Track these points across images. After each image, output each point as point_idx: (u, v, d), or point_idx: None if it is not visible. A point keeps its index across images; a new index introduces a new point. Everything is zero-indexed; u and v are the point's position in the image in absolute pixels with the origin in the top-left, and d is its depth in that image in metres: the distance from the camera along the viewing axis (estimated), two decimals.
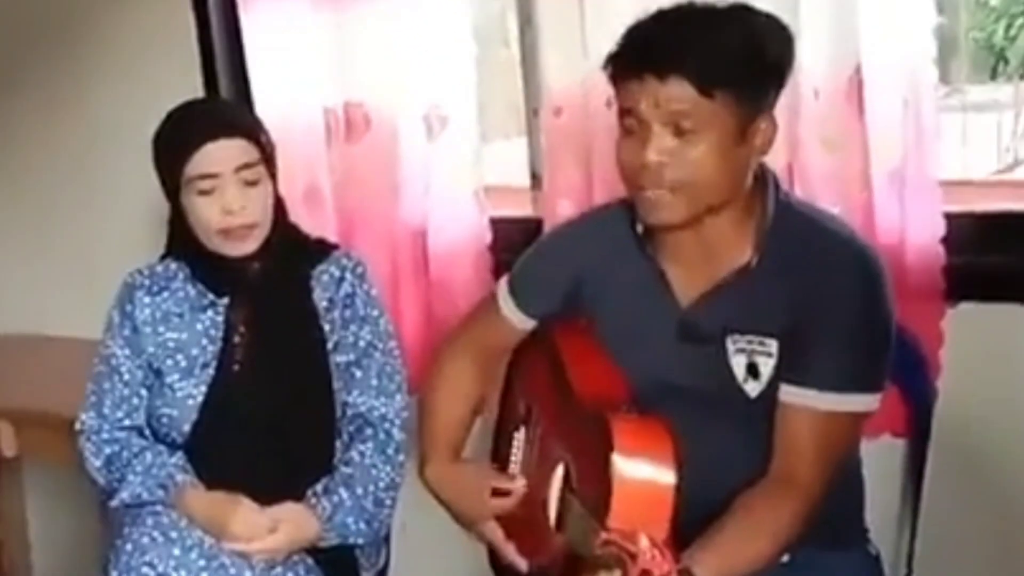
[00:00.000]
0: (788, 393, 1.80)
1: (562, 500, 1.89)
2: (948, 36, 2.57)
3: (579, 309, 2.00)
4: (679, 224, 1.79)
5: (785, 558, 1.84)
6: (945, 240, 2.18)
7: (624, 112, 1.77)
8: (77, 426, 2.23)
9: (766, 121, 1.76)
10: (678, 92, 1.69)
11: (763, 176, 1.84)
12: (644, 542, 1.53)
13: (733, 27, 1.72)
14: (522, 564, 1.99)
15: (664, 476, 1.70)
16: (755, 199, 1.83)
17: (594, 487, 1.74)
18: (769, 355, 1.81)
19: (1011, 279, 2.21)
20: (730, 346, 1.83)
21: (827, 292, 1.77)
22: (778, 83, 1.78)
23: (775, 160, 2.22)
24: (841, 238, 1.82)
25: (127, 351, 2.21)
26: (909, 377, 2.17)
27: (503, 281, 2.10)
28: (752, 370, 1.82)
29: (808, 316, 1.77)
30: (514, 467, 2.11)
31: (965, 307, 2.22)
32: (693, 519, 1.72)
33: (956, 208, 2.21)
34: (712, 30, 1.71)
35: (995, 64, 3.18)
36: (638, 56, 1.73)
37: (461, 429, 2.14)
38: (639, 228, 1.87)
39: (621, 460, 1.71)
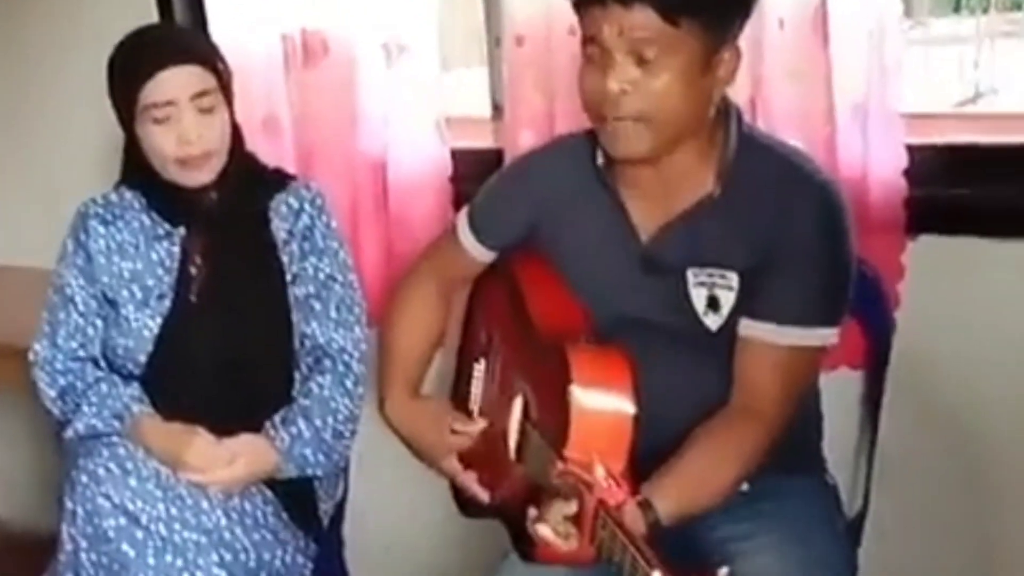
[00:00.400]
0: (748, 327, 1.81)
1: (521, 431, 1.89)
2: None
3: (539, 241, 1.99)
4: (643, 156, 1.78)
5: (744, 487, 1.86)
6: (907, 172, 2.18)
7: (587, 40, 1.75)
8: (30, 356, 2.21)
9: (730, 51, 1.75)
10: (642, 19, 1.67)
11: (726, 108, 1.83)
12: (600, 471, 1.53)
13: None
14: (484, 496, 2.00)
15: (623, 406, 1.70)
16: (717, 131, 1.82)
17: (553, 418, 1.74)
18: (730, 288, 1.81)
19: (972, 212, 2.21)
20: (691, 279, 1.83)
21: (789, 226, 1.77)
22: (744, 13, 1.76)
23: (739, 92, 2.21)
24: (804, 172, 1.81)
25: (81, 281, 2.18)
26: (868, 309, 2.17)
27: (463, 213, 2.09)
28: (712, 303, 1.82)
29: (770, 250, 1.77)
30: (474, 399, 2.11)
31: (926, 239, 2.23)
32: (653, 451, 1.73)
33: (918, 140, 2.20)
34: None
35: None
36: None
37: (421, 364, 2.14)
38: (600, 160, 1.85)
39: (579, 391, 1.71)
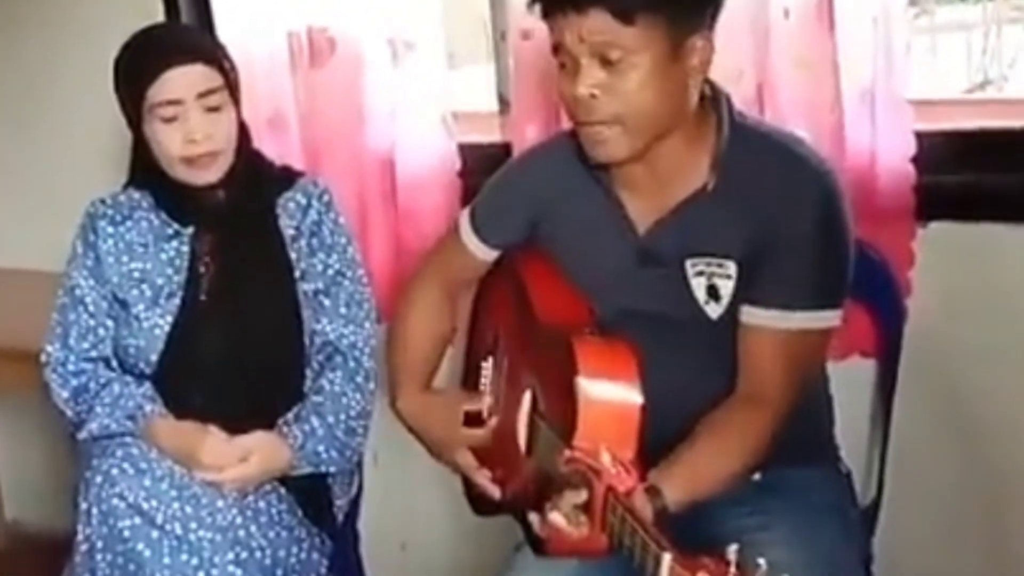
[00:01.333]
0: (749, 314, 1.81)
1: (531, 425, 1.89)
2: None
3: (540, 239, 2.01)
4: (624, 159, 1.79)
5: (756, 477, 1.86)
6: (915, 159, 2.17)
7: (555, 48, 1.77)
8: (42, 358, 2.21)
9: (702, 39, 1.74)
10: (599, 23, 1.68)
11: (715, 97, 1.83)
12: (606, 457, 1.54)
13: None
14: (495, 492, 2.00)
15: (629, 396, 1.70)
16: (707, 121, 1.82)
17: (561, 410, 1.74)
18: (728, 277, 1.81)
19: (981, 198, 2.20)
20: (689, 269, 1.83)
21: (784, 211, 1.77)
22: (710, 0, 1.76)
23: (746, 81, 2.22)
24: (797, 156, 1.81)
25: (91, 281, 2.19)
26: (879, 297, 2.17)
27: (465, 213, 2.11)
28: (712, 292, 1.83)
29: (766, 236, 1.77)
30: (484, 398, 2.11)
31: (935, 226, 2.22)
32: (659, 442, 1.73)
33: (927, 127, 2.20)
34: None
35: None
36: None
37: (430, 361, 2.15)
38: (596, 161, 1.86)
39: (585, 381, 1.71)
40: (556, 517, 1.59)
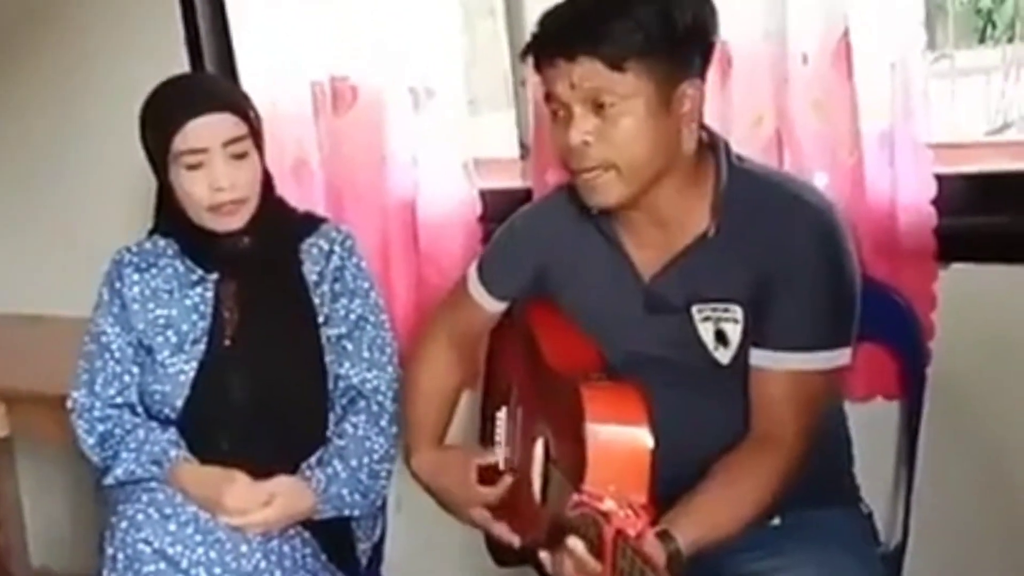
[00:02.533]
0: (757, 356, 1.82)
1: (545, 473, 1.89)
2: (935, 1, 2.56)
3: (547, 289, 2.02)
4: (619, 204, 1.81)
5: (776, 521, 1.85)
6: (936, 202, 2.17)
7: (547, 97, 1.79)
8: (69, 404, 2.23)
9: (693, 87, 1.76)
10: (589, 71, 1.71)
11: (713, 143, 1.85)
12: (609, 503, 1.53)
13: (640, 1, 1.71)
14: (515, 540, 1.99)
15: (639, 439, 1.70)
16: (706, 167, 1.83)
17: (572, 456, 1.74)
18: (735, 321, 1.82)
19: (1002, 239, 2.20)
20: (696, 315, 1.84)
21: (786, 253, 1.77)
22: (699, 48, 1.77)
23: (764, 126, 2.24)
24: (797, 196, 1.81)
25: (117, 328, 2.21)
26: (902, 339, 2.17)
27: (472, 266, 2.13)
28: (720, 337, 1.83)
29: (770, 279, 1.78)
30: (498, 447, 2.11)
31: (957, 268, 2.22)
32: (673, 485, 1.72)
33: (947, 170, 2.20)
34: (617, 5, 1.71)
35: (983, 28, 3.17)
36: (548, 41, 1.76)
37: (442, 417, 2.16)
38: (593, 209, 1.87)
39: (593, 427, 1.71)
40: (567, 565, 1.59)
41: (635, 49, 1.69)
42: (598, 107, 1.73)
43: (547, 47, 1.76)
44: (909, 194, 2.17)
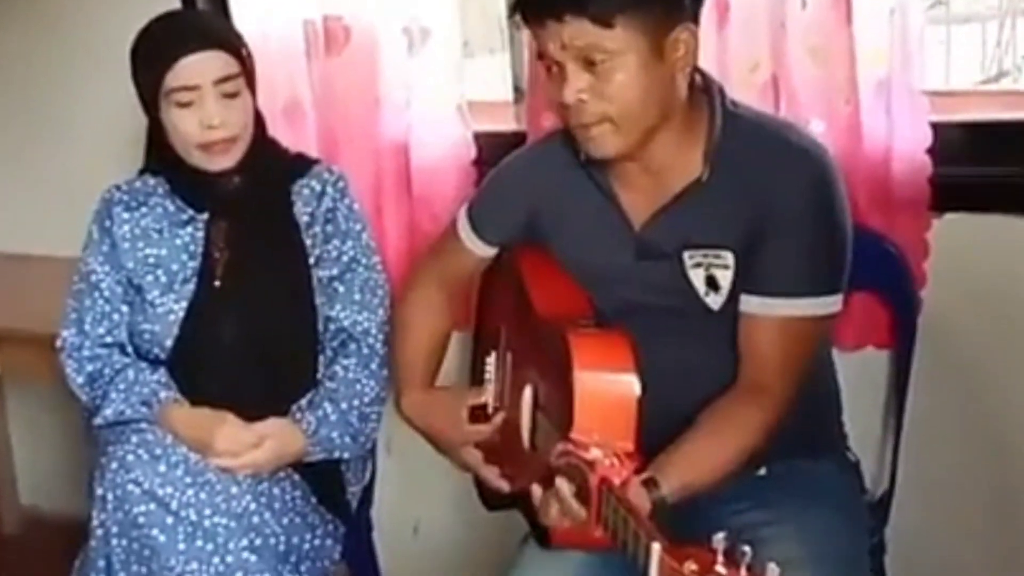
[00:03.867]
0: (748, 303, 1.81)
1: (533, 420, 1.90)
2: None
3: (538, 235, 2.01)
4: (618, 155, 1.80)
5: (762, 471, 1.86)
6: (931, 150, 2.16)
7: (540, 55, 1.78)
8: (58, 343, 2.22)
9: (686, 31, 1.74)
10: (578, 30, 1.70)
11: (707, 87, 1.84)
12: (595, 451, 1.53)
13: None
14: (504, 486, 2.00)
15: (626, 387, 1.69)
16: (699, 112, 1.82)
17: (559, 403, 1.74)
18: (726, 267, 1.82)
19: (997, 189, 2.20)
20: (687, 261, 1.83)
21: (777, 198, 1.77)
22: None
23: (761, 71, 2.22)
24: (788, 141, 1.81)
25: (106, 267, 2.20)
26: (894, 288, 2.17)
27: (462, 210, 2.12)
28: (711, 283, 1.83)
29: (761, 224, 1.77)
30: (488, 392, 2.11)
31: (951, 218, 2.22)
32: (663, 432, 1.73)
33: (942, 118, 2.19)
34: None
35: None
36: (536, 2, 1.74)
37: (432, 359, 2.15)
38: (583, 157, 1.87)
39: (581, 374, 1.70)
40: (553, 509, 1.59)
41: (622, 4, 1.68)
42: (590, 64, 1.72)
43: (534, 7, 1.74)
44: (905, 143, 2.16)
